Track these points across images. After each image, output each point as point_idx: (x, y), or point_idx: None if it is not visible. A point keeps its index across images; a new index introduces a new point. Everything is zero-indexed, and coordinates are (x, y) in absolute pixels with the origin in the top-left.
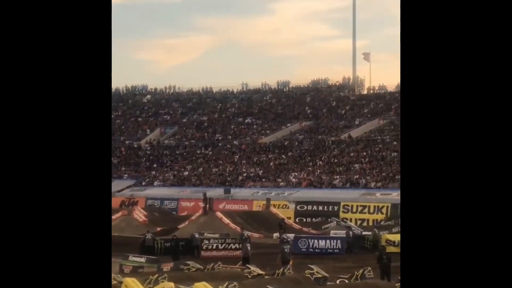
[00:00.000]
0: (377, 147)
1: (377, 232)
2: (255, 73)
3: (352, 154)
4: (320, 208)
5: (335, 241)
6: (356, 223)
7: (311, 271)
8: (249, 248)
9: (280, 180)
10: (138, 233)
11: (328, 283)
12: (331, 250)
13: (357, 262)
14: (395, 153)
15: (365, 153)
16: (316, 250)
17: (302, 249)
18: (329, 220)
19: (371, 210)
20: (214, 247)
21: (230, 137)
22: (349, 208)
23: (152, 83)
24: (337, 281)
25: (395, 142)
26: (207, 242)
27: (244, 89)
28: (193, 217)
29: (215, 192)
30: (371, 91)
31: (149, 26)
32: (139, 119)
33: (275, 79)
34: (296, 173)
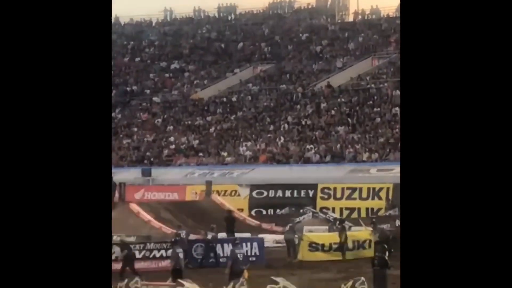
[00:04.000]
0: (371, 100)
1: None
2: None
3: (333, 112)
4: (288, 194)
5: (249, 244)
6: (341, 215)
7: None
8: (181, 256)
9: (226, 154)
10: None
11: None
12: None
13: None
14: (397, 108)
15: (352, 110)
16: (221, 260)
17: (199, 259)
18: (301, 211)
19: (364, 195)
20: None
21: (148, 91)
22: (331, 192)
23: None
24: None
25: (397, 91)
26: (117, 249)
27: (168, 19)
28: None
29: (129, 174)
30: (360, 17)
31: None
32: None
33: (214, 3)
34: (249, 143)
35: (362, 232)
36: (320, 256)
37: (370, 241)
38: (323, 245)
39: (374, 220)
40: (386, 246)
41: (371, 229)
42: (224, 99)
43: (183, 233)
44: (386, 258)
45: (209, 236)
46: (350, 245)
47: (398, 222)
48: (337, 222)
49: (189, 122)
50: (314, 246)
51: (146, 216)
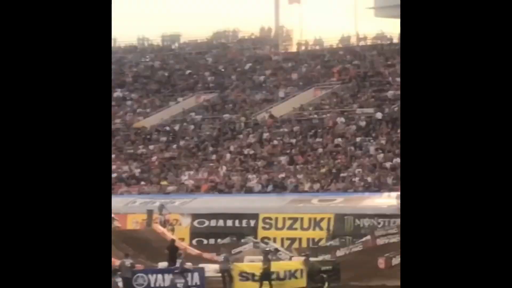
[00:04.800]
0: (313, 130)
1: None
2: (128, 24)
3: (275, 142)
4: (229, 223)
5: (190, 274)
6: (283, 245)
7: None
8: (121, 285)
9: (168, 182)
10: None
11: None
12: None
13: None
14: (340, 139)
15: (294, 140)
16: None
17: None
18: (242, 240)
19: (305, 225)
20: None
21: None
22: (273, 222)
23: None
24: None
25: (340, 120)
26: None
27: (112, 47)
28: None
29: None
30: (303, 48)
31: None
32: None
33: (159, 33)
34: (191, 172)
35: (294, 262)
36: (251, 286)
37: (302, 270)
38: (253, 274)
39: (308, 253)
40: (325, 276)
41: (303, 259)
42: (167, 128)
43: (127, 262)
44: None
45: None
46: (281, 274)
47: (338, 253)
48: (265, 253)
49: (131, 151)
50: (244, 276)
51: None
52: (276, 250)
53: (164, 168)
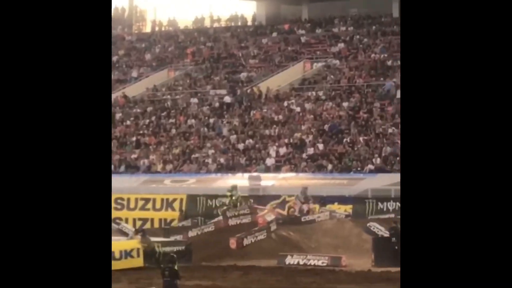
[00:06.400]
0: (166, 111)
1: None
2: None
3: (128, 123)
4: None
5: None
6: (134, 225)
7: None
8: None
9: None
10: None
11: None
12: None
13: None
14: (194, 120)
15: (148, 121)
16: None
17: None
18: None
19: (158, 206)
20: None
21: None
22: (125, 202)
23: None
24: None
25: (194, 100)
26: None
27: None
28: None
29: None
30: (157, 28)
31: None
32: None
33: None
34: None
35: (129, 242)
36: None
37: (138, 249)
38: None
39: (143, 230)
40: (175, 256)
41: (139, 238)
42: None
43: None
44: (176, 268)
45: None
46: (117, 255)
47: (190, 233)
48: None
49: None
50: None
51: None
52: (144, 232)
53: None
